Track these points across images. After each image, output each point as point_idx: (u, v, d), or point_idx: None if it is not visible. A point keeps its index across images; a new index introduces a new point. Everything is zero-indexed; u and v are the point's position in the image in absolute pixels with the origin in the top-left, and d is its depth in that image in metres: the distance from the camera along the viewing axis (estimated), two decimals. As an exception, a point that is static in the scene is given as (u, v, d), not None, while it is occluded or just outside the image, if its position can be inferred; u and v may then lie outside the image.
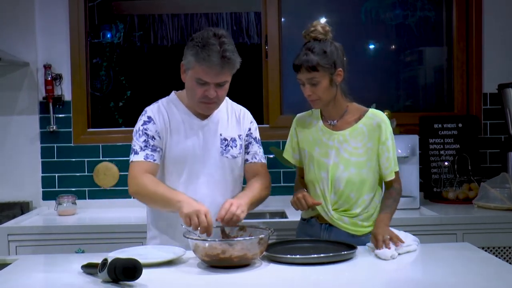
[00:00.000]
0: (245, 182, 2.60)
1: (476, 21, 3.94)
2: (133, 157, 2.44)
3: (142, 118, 2.49)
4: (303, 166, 2.61)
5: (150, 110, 2.51)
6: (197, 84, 2.36)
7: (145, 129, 2.45)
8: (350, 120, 2.51)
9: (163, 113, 2.48)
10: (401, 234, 2.37)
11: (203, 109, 2.45)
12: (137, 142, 2.45)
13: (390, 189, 2.51)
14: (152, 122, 2.47)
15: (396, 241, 2.30)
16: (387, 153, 2.46)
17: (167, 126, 2.47)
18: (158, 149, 2.45)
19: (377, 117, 2.49)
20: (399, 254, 2.27)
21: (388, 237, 2.31)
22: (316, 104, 2.50)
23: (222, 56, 2.30)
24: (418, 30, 4.13)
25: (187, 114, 2.49)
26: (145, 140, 2.44)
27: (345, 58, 2.50)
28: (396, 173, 2.51)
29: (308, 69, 2.41)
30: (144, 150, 2.43)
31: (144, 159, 2.42)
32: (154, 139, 2.45)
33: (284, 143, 3.86)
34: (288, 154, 2.67)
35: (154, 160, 2.43)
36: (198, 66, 2.33)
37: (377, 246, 2.29)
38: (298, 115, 2.68)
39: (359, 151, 2.47)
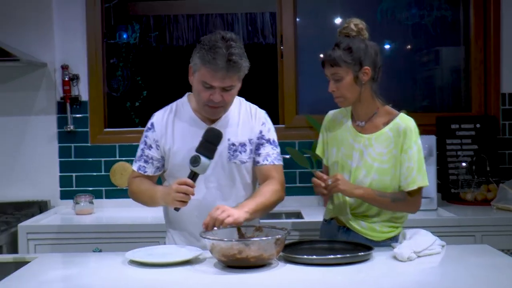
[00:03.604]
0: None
1: (494, 20, 3.90)
2: (133, 163, 2.56)
3: (148, 124, 2.53)
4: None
5: (156, 116, 2.53)
6: (203, 87, 2.34)
7: (145, 136, 2.51)
8: (378, 124, 2.44)
9: (167, 119, 2.48)
10: (428, 237, 2.33)
11: (208, 113, 2.42)
12: (138, 149, 2.54)
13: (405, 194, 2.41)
14: (152, 129, 2.49)
15: (328, 188, 2.35)
16: (408, 162, 2.36)
17: (169, 133, 2.46)
18: (151, 161, 2.49)
19: (404, 123, 2.40)
20: (419, 256, 2.25)
21: (330, 181, 2.34)
22: (341, 102, 2.45)
23: (228, 60, 2.27)
24: (434, 30, 4.10)
25: (193, 119, 2.46)
26: (142, 148, 2.52)
27: (378, 58, 2.43)
28: (419, 189, 2.38)
29: (330, 63, 2.39)
30: (139, 161, 2.52)
31: (137, 169, 2.52)
32: (151, 148, 2.48)
33: (299, 144, 3.90)
34: (320, 150, 2.63)
35: (145, 172, 2.51)
36: (203, 68, 2.30)
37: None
38: (330, 112, 2.64)
39: (383, 157, 2.40)
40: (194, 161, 2.25)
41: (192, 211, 2.36)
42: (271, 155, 2.50)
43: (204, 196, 2.42)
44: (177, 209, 2.31)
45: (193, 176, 2.28)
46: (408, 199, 2.40)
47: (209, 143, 2.29)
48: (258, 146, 2.50)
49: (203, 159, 2.25)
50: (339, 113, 2.59)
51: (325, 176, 2.39)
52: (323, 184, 2.36)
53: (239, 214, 2.25)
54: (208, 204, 2.36)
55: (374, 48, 2.44)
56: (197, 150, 2.28)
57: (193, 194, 2.27)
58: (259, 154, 2.49)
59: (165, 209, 2.56)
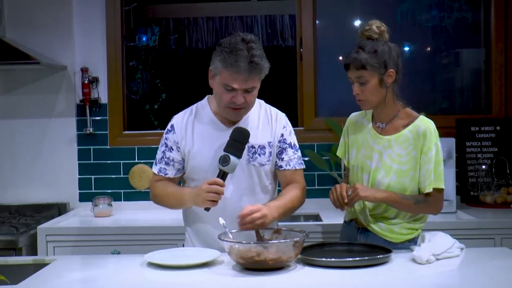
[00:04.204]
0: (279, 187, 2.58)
1: (515, 22, 3.87)
2: (153, 166, 2.56)
3: (168, 126, 2.53)
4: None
5: (175, 118, 2.54)
6: (225, 90, 2.34)
7: (166, 139, 2.51)
8: (398, 126, 2.45)
9: (187, 121, 2.48)
10: (447, 239, 2.31)
11: (230, 115, 2.42)
12: (159, 151, 2.54)
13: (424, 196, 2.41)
14: (173, 131, 2.49)
15: (349, 199, 2.33)
16: (427, 164, 2.37)
17: (189, 135, 2.46)
18: (172, 163, 2.49)
19: (423, 125, 2.41)
20: (438, 259, 2.23)
21: (351, 192, 2.32)
22: (364, 105, 2.45)
23: (250, 61, 2.27)
24: (455, 32, 4.07)
25: (213, 121, 2.47)
26: (163, 151, 2.51)
27: (400, 60, 2.44)
28: (438, 190, 2.38)
29: (356, 67, 2.38)
30: (160, 163, 2.52)
31: (158, 172, 2.52)
32: (172, 150, 2.49)
33: (318, 146, 3.89)
34: (341, 152, 2.63)
35: (166, 174, 2.51)
36: (225, 71, 2.31)
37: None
38: (352, 114, 2.65)
39: (402, 159, 2.40)
40: (224, 160, 2.27)
41: (212, 211, 2.36)
42: (293, 160, 2.50)
43: (223, 199, 2.42)
44: (207, 209, 2.33)
45: (223, 175, 2.29)
46: (429, 201, 2.40)
47: (237, 142, 2.31)
48: (280, 151, 2.50)
49: (232, 158, 2.27)
50: (360, 116, 2.60)
51: (344, 192, 2.36)
52: (345, 200, 2.35)
53: (271, 212, 2.31)
54: (228, 205, 2.37)
55: (396, 50, 2.45)
56: (226, 149, 2.30)
57: (223, 194, 2.29)
58: (281, 159, 2.50)
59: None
